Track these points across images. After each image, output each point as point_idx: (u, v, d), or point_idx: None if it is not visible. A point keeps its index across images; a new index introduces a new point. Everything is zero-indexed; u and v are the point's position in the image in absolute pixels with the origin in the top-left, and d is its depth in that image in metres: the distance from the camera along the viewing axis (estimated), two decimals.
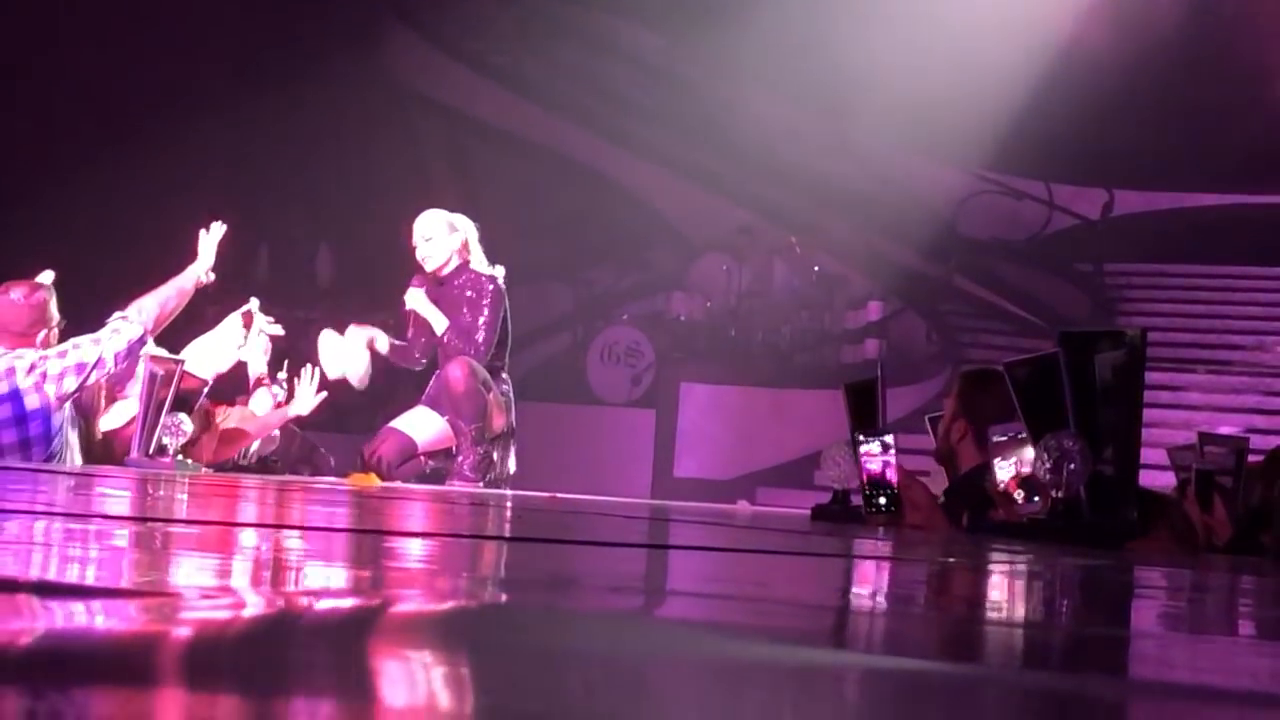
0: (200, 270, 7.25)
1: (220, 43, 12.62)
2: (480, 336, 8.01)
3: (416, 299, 8.12)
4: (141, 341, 6.93)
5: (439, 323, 8.03)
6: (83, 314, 7.03)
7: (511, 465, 8.22)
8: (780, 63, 13.95)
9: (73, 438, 6.89)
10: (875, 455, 5.55)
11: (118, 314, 6.98)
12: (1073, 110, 13.62)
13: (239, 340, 7.52)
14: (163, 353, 7.18)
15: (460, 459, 7.98)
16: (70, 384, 6.70)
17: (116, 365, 6.87)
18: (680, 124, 14.30)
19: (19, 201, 10.42)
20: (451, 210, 8.35)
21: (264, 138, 12.55)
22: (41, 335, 6.77)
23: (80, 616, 1.24)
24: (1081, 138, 13.74)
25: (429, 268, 8.09)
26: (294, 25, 13.05)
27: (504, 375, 8.25)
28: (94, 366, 6.75)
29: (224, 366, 7.64)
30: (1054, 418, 4.74)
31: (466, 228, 8.19)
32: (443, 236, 8.09)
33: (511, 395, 8.26)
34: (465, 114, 14.64)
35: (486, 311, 8.02)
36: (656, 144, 14.22)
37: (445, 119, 14.68)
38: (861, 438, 5.59)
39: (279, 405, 8.18)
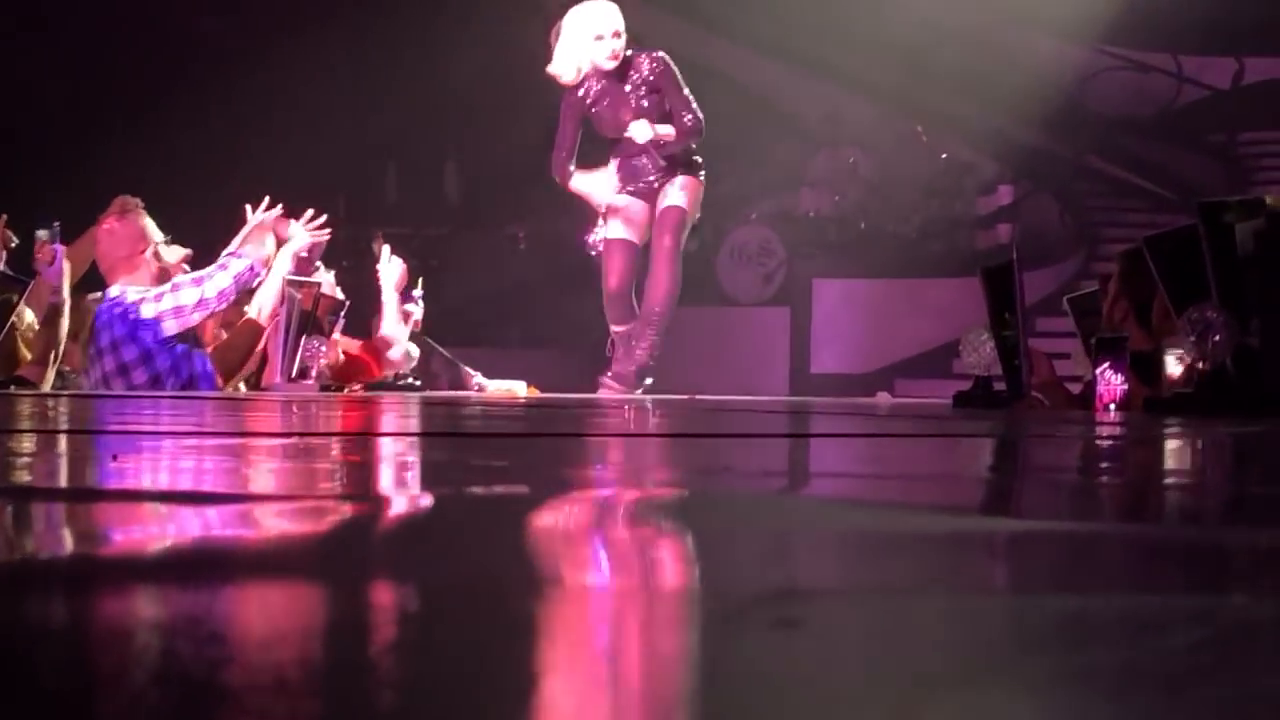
0: (293, 248, 7.18)
1: None
2: (688, 116, 7.63)
3: (581, 181, 7.85)
4: (253, 273, 6.92)
5: (602, 193, 7.81)
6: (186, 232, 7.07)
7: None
8: None
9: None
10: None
11: (227, 252, 6.98)
12: None
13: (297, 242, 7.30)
14: (298, 276, 7.23)
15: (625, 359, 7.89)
16: (171, 326, 6.77)
17: (221, 302, 6.88)
18: (795, 17, 14.16)
19: (115, 135, 10.40)
20: None
21: (380, 51, 12.59)
22: (149, 251, 6.83)
23: (267, 520, 1.30)
24: (1206, 6, 13.44)
25: (615, 63, 7.63)
26: None
27: None
28: (195, 307, 6.80)
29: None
30: (1197, 290, 4.70)
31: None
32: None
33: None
34: None
35: (678, 81, 7.69)
36: (770, 36, 14.09)
37: None
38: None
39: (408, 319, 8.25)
